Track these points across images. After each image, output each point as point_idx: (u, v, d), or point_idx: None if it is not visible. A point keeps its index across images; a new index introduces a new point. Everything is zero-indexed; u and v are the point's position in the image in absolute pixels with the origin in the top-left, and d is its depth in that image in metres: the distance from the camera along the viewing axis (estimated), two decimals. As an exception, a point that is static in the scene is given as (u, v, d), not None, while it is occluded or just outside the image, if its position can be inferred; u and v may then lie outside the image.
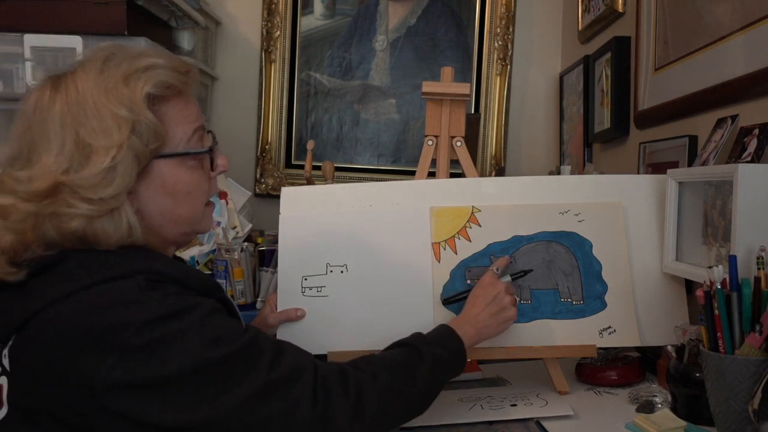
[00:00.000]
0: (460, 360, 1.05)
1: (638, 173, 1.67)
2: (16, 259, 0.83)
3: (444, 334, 1.06)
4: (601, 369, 1.31)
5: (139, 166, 0.85)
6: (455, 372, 1.04)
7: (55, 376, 0.78)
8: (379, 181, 1.40)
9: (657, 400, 1.17)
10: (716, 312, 0.96)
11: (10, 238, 0.82)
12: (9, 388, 0.82)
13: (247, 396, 0.81)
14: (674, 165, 1.46)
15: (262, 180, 2.54)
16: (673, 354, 1.16)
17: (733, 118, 1.27)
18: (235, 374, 0.81)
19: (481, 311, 1.12)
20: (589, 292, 1.25)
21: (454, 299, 1.21)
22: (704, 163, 1.30)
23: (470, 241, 1.26)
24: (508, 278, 1.20)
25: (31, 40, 1.74)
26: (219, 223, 1.96)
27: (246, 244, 1.90)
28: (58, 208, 0.81)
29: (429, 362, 0.97)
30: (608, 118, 1.91)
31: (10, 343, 0.82)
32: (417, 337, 1.03)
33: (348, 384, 0.88)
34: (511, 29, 2.51)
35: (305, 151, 2.00)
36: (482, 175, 2.45)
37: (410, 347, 0.99)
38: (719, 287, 0.97)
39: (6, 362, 0.82)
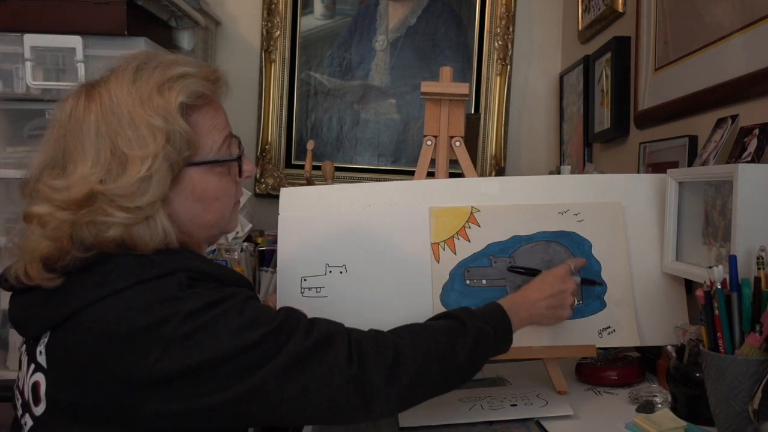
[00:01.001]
0: (506, 339, 1.04)
1: (638, 173, 1.67)
2: (52, 265, 0.84)
3: (494, 311, 1.05)
4: (601, 369, 1.31)
5: (173, 174, 0.87)
6: (499, 351, 1.03)
7: (97, 373, 0.80)
8: (379, 181, 1.40)
9: (657, 400, 1.17)
10: (716, 312, 0.96)
11: (47, 245, 0.84)
12: (47, 385, 0.84)
13: (284, 366, 0.82)
14: (674, 165, 1.46)
15: (262, 180, 2.54)
16: (673, 354, 1.16)
17: (733, 118, 1.27)
18: (273, 349, 0.82)
19: (542, 299, 1.11)
20: (588, 292, 1.25)
21: (520, 269, 1.20)
22: (704, 163, 1.30)
23: (469, 241, 1.26)
24: (578, 279, 1.18)
25: (31, 40, 1.74)
26: (219, 223, 1.96)
27: (246, 244, 1.90)
28: (95, 216, 0.83)
29: (472, 336, 0.96)
30: (608, 118, 1.91)
31: (46, 340, 0.84)
32: (464, 309, 1.02)
33: (385, 347, 0.88)
34: (511, 29, 2.51)
35: (305, 151, 2.00)
36: (482, 175, 2.45)
37: (455, 319, 0.98)
38: (719, 287, 0.97)
39: (42, 359, 0.84)
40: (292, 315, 0.88)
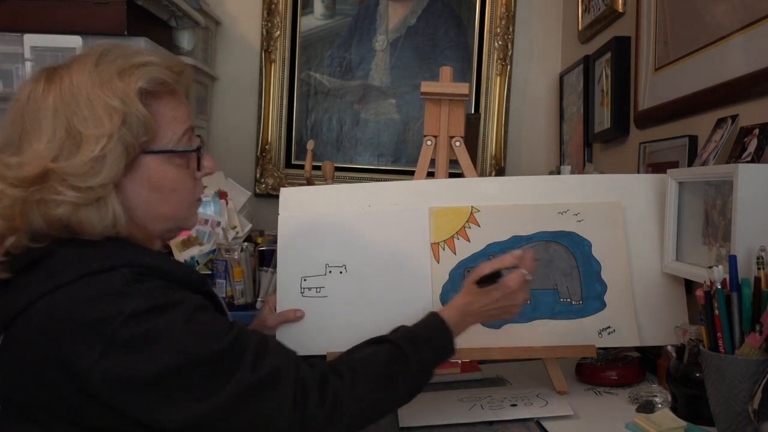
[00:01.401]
0: (447, 354, 1.02)
1: (638, 173, 1.67)
2: (4, 248, 0.84)
3: (437, 329, 1.01)
4: (601, 369, 1.31)
5: (128, 158, 0.86)
6: (439, 365, 1.01)
7: (46, 370, 0.79)
8: (379, 181, 1.40)
9: (657, 400, 1.17)
10: (716, 312, 0.96)
11: (0, 224, 0.84)
12: (0, 385, 0.83)
13: (231, 396, 0.81)
14: (674, 165, 1.46)
15: (262, 180, 2.54)
16: (673, 354, 1.16)
17: (733, 118, 1.27)
18: (220, 373, 0.81)
19: (491, 310, 1.07)
20: (588, 293, 1.25)
21: (485, 280, 1.05)
22: (704, 163, 1.30)
23: (469, 241, 1.26)
24: (530, 278, 1.07)
25: (31, 40, 1.74)
26: (219, 223, 1.96)
27: (246, 244, 1.90)
28: (46, 194, 0.83)
29: (414, 370, 0.95)
30: (608, 118, 1.91)
31: None
32: (406, 334, 0.99)
33: (326, 391, 0.87)
34: (511, 29, 2.51)
35: (305, 151, 2.00)
36: (482, 175, 2.45)
37: (398, 348, 0.96)
38: (719, 287, 0.96)
39: None
40: (241, 337, 0.85)
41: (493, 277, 1.04)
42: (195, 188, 0.97)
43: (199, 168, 0.97)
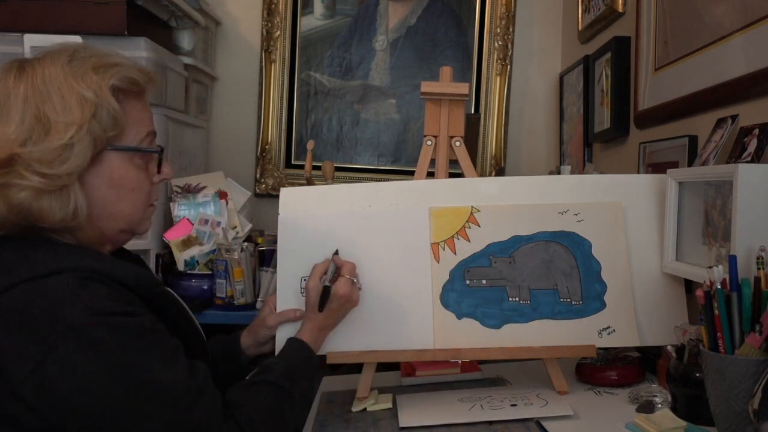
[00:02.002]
0: (316, 376, 1.15)
1: (638, 173, 1.67)
2: None
3: (305, 357, 1.11)
4: (601, 369, 1.31)
5: (94, 150, 0.88)
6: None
7: None
8: (379, 181, 1.40)
9: (657, 400, 1.17)
10: (716, 312, 0.96)
11: None
12: None
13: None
14: (674, 165, 1.46)
15: (262, 180, 2.54)
16: (673, 354, 1.16)
17: (733, 118, 1.27)
18: (154, 405, 0.83)
19: (337, 315, 1.16)
20: (588, 292, 1.25)
21: (323, 303, 1.16)
22: (704, 163, 1.30)
23: (469, 241, 1.25)
24: (358, 283, 1.19)
25: (31, 40, 1.74)
26: (219, 223, 1.96)
27: (246, 244, 1.90)
28: (10, 179, 0.84)
29: (297, 399, 1.04)
30: (608, 118, 1.91)
31: None
32: (284, 373, 1.04)
33: None
34: (511, 29, 2.51)
35: (305, 151, 2.00)
36: (482, 175, 2.45)
37: (281, 390, 1.02)
38: (719, 287, 0.96)
39: None
40: (179, 378, 0.87)
41: (326, 296, 1.14)
42: (151, 192, 0.99)
43: (159, 170, 1.00)
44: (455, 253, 1.25)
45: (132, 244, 1.06)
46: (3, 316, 0.80)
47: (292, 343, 1.13)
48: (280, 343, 1.19)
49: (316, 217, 1.25)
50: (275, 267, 1.56)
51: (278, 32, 2.51)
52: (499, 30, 2.50)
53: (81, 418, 0.80)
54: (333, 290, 1.14)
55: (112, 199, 0.93)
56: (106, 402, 0.80)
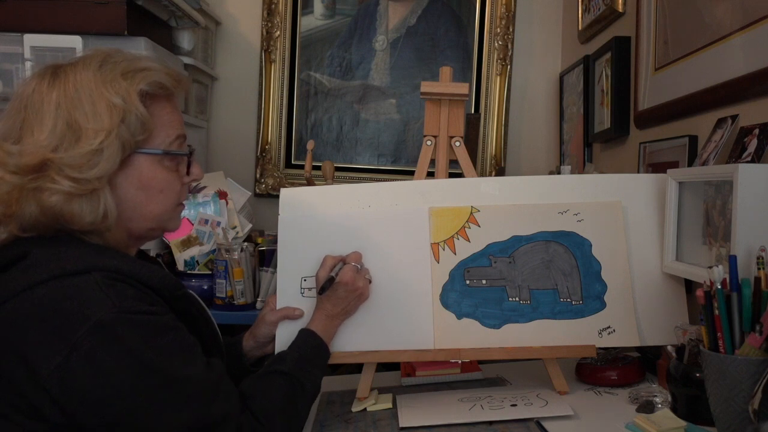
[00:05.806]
0: (326, 361, 1.16)
1: (638, 173, 1.67)
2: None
3: (316, 347, 1.13)
4: (601, 369, 1.31)
5: (123, 154, 0.90)
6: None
7: (10, 367, 0.81)
8: (379, 181, 1.40)
9: (657, 400, 1.17)
10: (716, 312, 0.96)
11: None
12: None
13: (183, 427, 0.86)
14: (674, 165, 1.46)
15: (262, 180, 2.54)
16: (673, 354, 1.16)
17: (733, 118, 1.27)
18: (176, 402, 0.86)
19: (342, 311, 1.18)
20: (588, 292, 1.25)
21: (323, 288, 1.17)
22: (704, 163, 1.30)
23: (469, 241, 1.25)
24: (366, 271, 1.21)
25: (31, 40, 1.74)
26: (219, 223, 1.96)
27: (246, 244, 1.90)
28: (43, 183, 0.86)
29: (308, 389, 1.07)
30: (608, 118, 1.91)
31: None
32: (296, 364, 1.08)
33: None
34: (511, 29, 2.51)
35: (305, 151, 2.00)
36: (482, 175, 2.45)
37: (293, 380, 1.05)
38: (719, 287, 0.96)
39: None
40: (198, 373, 0.89)
41: (329, 283, 1.16)
42: (181, 192, 1.01)
43: (188, 173, 1.02)
44: (455, 253, 1.25)
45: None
46: (32, 310, 0.82)
47: (303, 333, 1.15)
48: (280, 341, 1.20)
49: (316, 218, 1.26)
50: (275, 267, 1.56)
51: (278, 32, 2.51)
52: (499, 30, 2.50)
53: (104, 413, 0.82)
54: (338, 277, 1.16)
55: (141, 200, 0.95)
56: (129, 397, 0.82)
